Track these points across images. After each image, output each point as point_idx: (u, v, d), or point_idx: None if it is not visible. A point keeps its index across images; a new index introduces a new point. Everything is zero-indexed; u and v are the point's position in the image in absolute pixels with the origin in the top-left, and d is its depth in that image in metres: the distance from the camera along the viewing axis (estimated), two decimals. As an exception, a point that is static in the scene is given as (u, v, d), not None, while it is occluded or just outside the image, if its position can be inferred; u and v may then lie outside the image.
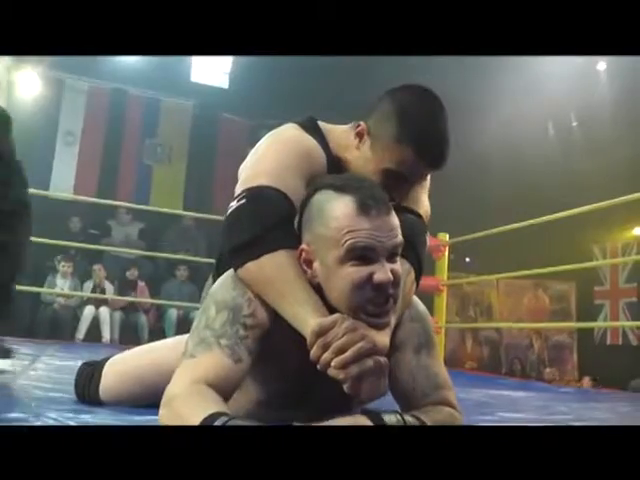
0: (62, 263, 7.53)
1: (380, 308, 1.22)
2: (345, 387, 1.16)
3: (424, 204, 1.68)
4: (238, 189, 1.44)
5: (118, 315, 7.58)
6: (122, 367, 1.80)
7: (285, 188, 1.39)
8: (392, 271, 1.21)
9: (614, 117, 8.23)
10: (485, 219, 5.93)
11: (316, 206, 1.27)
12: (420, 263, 1.53)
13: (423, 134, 1.45)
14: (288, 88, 8.45)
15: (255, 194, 1.38)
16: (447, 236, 5.70)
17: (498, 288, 10.30)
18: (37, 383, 2.22)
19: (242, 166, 1.55)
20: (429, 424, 1.22)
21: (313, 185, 1.33)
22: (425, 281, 2.43)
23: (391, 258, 1.23)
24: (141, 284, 7.91)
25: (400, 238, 1.24)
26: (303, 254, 1.28)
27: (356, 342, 1.15)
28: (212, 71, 9.69)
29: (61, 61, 7.16)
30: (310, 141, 1.52)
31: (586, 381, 8.97)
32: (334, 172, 1.49)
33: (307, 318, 1.24)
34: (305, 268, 1.28)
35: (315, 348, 1.18)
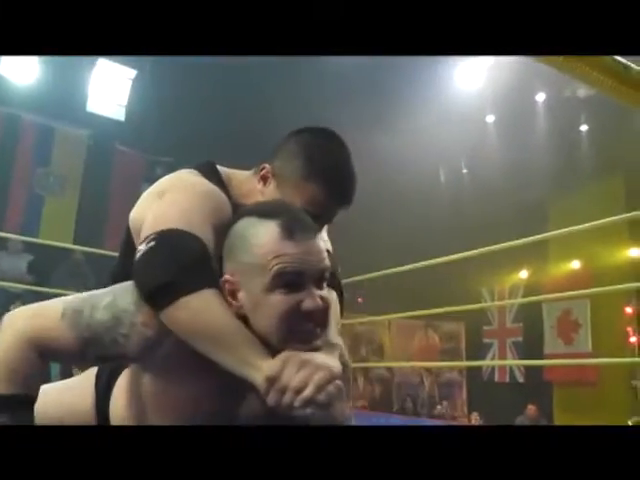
0: (-58, 294, 7.15)
1: (310, 334, 1.15)
2: (316, 420, 1.10)
3: (328, 242, 1.63)
4: (144, 233, 1.26)
5: None
6: None
7: (196, 232, 1.24)
8: (321, 297, 1.15)
9: (501, 165, 8.59)
10: (377, 261, 6.04)
11: (239, 233, 1.19)
12: (342, 294, 1.49)
13: (331, 171, 1.43)
14: (184, 124, 8.39)
15: (166, 235, 1.22)
16: (340, 276, 5.75)
17: (390, 328, 10.47)
18: None
19: (136, 211, 1.43)
20: None
21: (235, 215, 1.26)
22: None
23: (319, 283, 1.17)
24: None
25: (328, 262, 1.19)
26: (227, 285, 1.18)
27: (313, 375, 1.09)
28: (108, 102, 9.49)
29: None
30: (214, 188, 1.41)
31: (474, 417, 9.21)
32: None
33: (255, 362, 1.13)
34: (230, 300, 1.18)
35: (272, 394, 1.10)
